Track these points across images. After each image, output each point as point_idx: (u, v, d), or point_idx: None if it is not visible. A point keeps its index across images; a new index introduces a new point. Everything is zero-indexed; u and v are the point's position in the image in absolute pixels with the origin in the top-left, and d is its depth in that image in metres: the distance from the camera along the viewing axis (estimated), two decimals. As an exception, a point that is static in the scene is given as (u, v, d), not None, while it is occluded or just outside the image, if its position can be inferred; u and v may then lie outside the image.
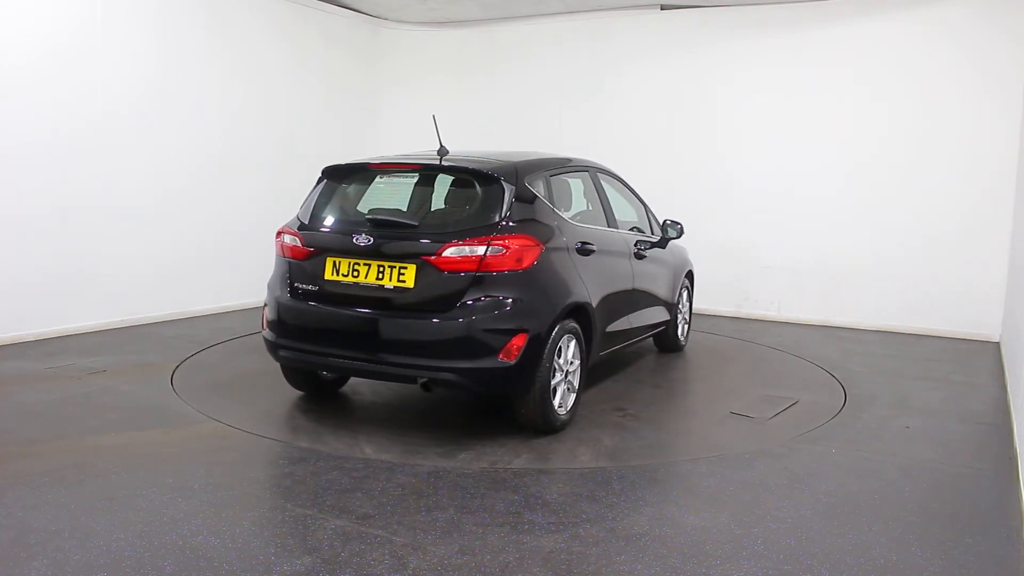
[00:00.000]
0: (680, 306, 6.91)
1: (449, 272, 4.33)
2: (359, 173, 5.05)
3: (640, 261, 5.94)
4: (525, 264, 4.43)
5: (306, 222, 4.87)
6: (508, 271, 4.37)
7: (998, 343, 7.71)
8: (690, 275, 7.22)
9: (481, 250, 4.32)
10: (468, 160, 4.88)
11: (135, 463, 4.03)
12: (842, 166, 8.36)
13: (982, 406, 5.61)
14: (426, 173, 4.96)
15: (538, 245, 4.52)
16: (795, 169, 8.58)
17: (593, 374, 6.02)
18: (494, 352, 4.29)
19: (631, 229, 6.16)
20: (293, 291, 4.74)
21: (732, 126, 8.85)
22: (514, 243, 4.40)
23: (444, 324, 4.29)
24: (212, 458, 4.21)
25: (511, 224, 4.48)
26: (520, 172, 4.76)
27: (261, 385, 5.55)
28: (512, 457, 4.29)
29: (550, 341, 4.50)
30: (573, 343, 4.78)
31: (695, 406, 5.68)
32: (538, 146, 7.45)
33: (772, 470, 4.20)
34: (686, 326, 7.21)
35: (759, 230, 8.76)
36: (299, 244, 4.75)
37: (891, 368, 6.66)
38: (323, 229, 4.79)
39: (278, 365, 5.16)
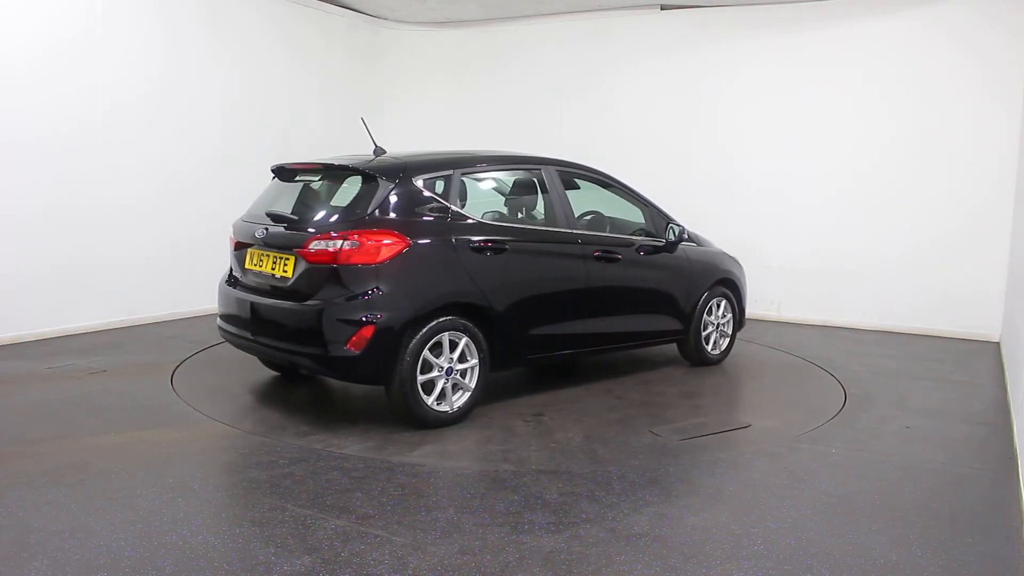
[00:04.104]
0: (711, 316, 6.47)
1: (314, 264, 4.59)
2: (289, 172, 5.35)
3: (612, 264, 5.68)
4: (382, 258, 4.53)
5: (244, 217, 5.37)
6: (363, 264, 4.50)
7: (998, 343, 7.71)
8: (727, 282, 6.60)
9: (338, 244, 4.52)
10: (372, 161, 5.05)
11: (135, 463, 4.03)
12: (842, 166, 8.36)
13: (982, 406, 5.61)
14: (328, 173, 5.24)
15: (401, 240, 4.59)
16: (795, 169, 8.58)
17: (571, 377, 6.01)
18: (342, 341, 4.47)
19: (635, 232, 6.13)
20: (229, 278, 5.34)
21: (732, 126, 8.84)
22: (371, 238, 4.53)
23: (301, 312, 4.59)
24: (212, 458, 4.23)
25: (376, 219, 4.62)
26: (409, 170, 4.89)
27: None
28: (354, 443, 4.40)
29: (417, 336, 4.57)
30: (464, 341, 4.80)
31: (624, 420, 5.01)
32: (537, 145, 7.42)
33: (772, 470, 4.20)
34: (724, 339, 6.64)
35: (759, 230, 8.75)
36: (232, 236, 5.32)
37: (891, 368, 6.66)
38: (247, 223, 5.21)
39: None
